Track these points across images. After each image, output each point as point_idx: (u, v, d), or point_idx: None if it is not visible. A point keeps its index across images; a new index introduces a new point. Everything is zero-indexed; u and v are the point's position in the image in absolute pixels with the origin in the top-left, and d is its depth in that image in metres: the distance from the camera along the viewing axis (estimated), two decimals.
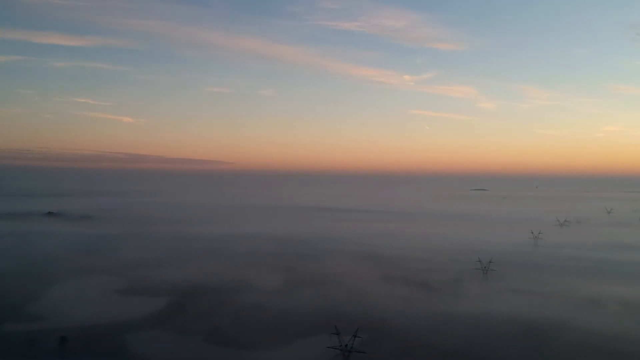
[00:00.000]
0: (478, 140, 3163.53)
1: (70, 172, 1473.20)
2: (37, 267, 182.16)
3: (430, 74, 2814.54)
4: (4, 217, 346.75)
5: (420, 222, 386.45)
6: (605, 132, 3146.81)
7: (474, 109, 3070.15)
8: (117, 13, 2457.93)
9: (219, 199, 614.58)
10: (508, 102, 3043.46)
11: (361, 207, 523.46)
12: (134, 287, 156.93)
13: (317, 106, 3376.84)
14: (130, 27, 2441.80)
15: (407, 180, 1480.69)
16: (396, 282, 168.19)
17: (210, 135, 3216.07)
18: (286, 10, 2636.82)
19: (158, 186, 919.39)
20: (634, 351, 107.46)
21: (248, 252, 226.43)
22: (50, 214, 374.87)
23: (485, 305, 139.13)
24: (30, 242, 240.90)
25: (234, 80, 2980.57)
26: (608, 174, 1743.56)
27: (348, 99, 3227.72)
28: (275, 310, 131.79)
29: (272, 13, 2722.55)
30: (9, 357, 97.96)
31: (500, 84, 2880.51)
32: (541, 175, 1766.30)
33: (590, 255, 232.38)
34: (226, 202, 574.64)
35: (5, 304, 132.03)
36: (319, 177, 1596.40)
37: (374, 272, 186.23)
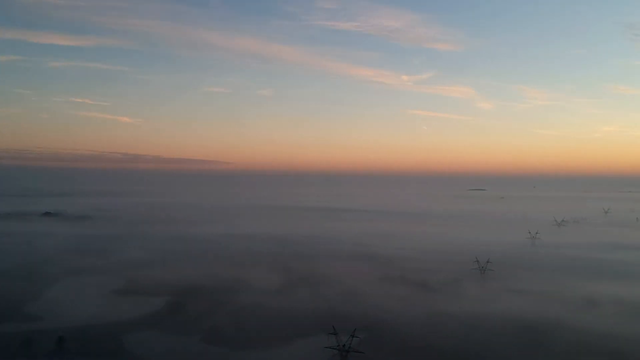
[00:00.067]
0: (476, 140, 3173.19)
1: (68, 172, 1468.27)
2: (35, 267, 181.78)
3: (428, 74, 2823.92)
4: (1, 217, 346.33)
5: (419, 222, 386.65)
6: (603, 132, 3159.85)
7: (473, 109, 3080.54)
8: (115, 13, 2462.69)
9: (217, 199, 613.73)
10: (506, 102, 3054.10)
11: (359, 207, 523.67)
12: (131, 287, 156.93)
13: (316, 106, 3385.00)
14: (128, 27, 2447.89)
15: (406, 180, 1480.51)
16: (394, 282, 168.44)
17: (209, 135, 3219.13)
18: (285, 10, 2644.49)
19: (156, 186, 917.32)
20: (631, 350, 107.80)
21: (247, 252, 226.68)
22: (47, 214, 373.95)
23: (483, 305, 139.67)
24: (28, 242, 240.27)
25: (232, 80, 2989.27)
26: (606, 174, 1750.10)
27: (346, 99, 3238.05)
28: (273, 310, 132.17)
29: (270, 13, 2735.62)
30: (7, 357, 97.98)
31: (499, 84, 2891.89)
32: (539, 175, 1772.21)
33: (588, 255, 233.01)
34: (225, 202, 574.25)
35: (3, 304, 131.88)
36: (317, 177, 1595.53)
37: (371, 272, 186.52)
